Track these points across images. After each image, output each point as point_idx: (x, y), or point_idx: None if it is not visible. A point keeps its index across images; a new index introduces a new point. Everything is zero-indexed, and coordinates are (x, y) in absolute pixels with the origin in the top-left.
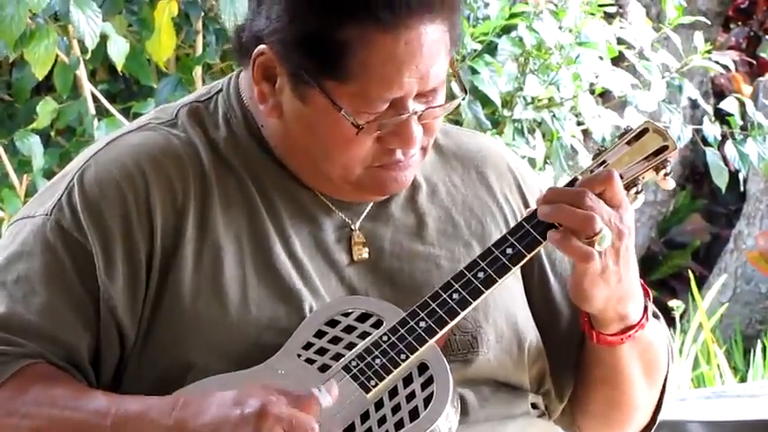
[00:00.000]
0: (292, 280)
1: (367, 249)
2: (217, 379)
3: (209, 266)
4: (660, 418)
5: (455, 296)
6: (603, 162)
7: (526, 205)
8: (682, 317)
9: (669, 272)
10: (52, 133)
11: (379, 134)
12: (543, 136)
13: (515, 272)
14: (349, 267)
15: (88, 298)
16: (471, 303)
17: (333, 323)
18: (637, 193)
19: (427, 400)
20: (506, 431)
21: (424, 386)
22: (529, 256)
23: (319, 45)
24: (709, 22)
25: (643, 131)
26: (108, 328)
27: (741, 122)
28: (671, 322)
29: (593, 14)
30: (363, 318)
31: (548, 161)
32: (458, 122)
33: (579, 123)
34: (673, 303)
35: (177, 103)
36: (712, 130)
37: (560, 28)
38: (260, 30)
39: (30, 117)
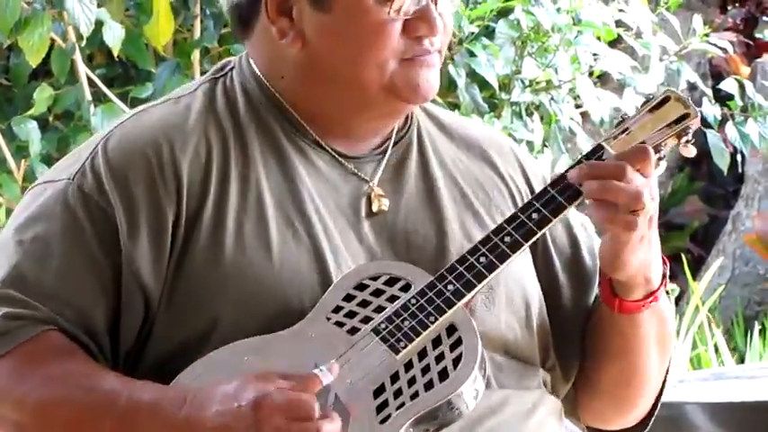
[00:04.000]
0: (314, 238)
1: (387, 201)
2: (253, 341)
3: (233, 225)
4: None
5: (482, 260)
6: (626, 129)
7: (529, 186)
8: (679, 299)
9: (667, 253)
10: (50, 118)
11: (406, 20)
12: (541, 119)
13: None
14: (368, 220)
15: (107, 263)
16: (498, 267)
17: (361, 287)
18: (659, 159)
19: (456, 362)
20: (523, 400)
21: (452, 347)
22: (554, 221)
23: None
24: (706, 4)
25: (665, 99)
26: (131, 292)
27: (741, 103)
28: None
29: None
30: (392, 282)
31: (546, 144)
32: (456, 106)
33: (577, 106)
34: (668, 287)
35: (195, 81)
36: (712, 111)
37: (558, 10)
38: None
39: (27, 102)
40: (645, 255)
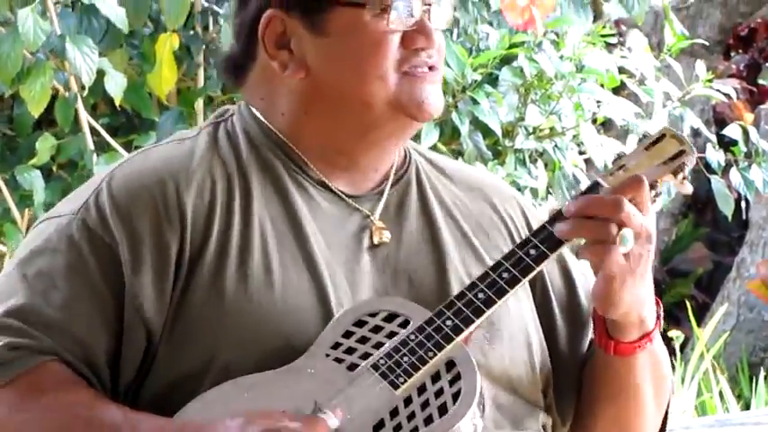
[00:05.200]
0: (316, 275)
1: (388, 233)
2: (252, 378)
3: (236, 261)
4: None
5: (480, 295)
6: (623, 166)
7: (530, 228)
8: (684, 345)
9: (672, 300)
10: (54, 167)
11: (403, 33)
12: (545, 166)
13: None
14: (370, 254)
15: (110, 297)
16: (496, 302)
17: (360, 323)
18: (655, 195)
19: (455, 397)
20: None
21: (451, 383)
22: (552, 256)
23: None
24: (709, 51)
25: (661, 137)
26: (133, 325)
27: (745, 149)
28: (672, 351)
29: (593, 44)
30: (390, 318)
31: (550, 191)
32: (459, 153)
33: (581, 152)
34: (672, 333)
35: (196, 127)
36: (716, 156)
37: (561, 57)
38: (259, 7)
39: (31, 151)
40: (639, 292)
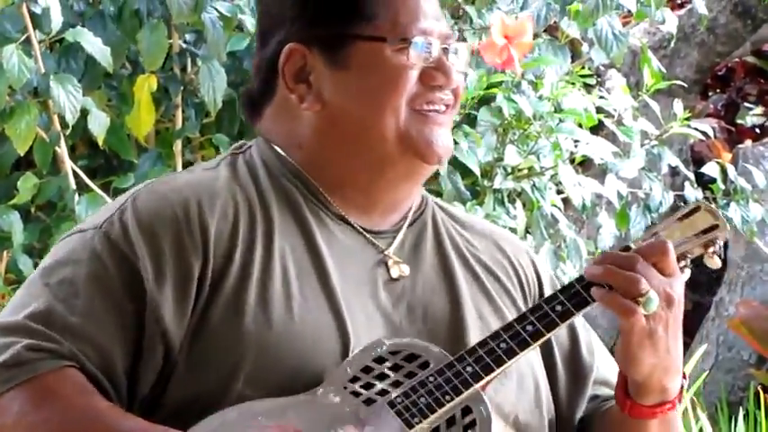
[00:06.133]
0: (334, 303)
1: (407, 266)
2: (268, 403)
3: (257, 284)
4: None
5: (503, 345)
6: (655, 233)
7: (539, 281)
8: None
9: None
10: (32, 209)
11: (422, 70)
12: (524, 205)
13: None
14: (387, 287)
15: (131, 308)
16: (518, 354)
17: (380, 360)
18: (684, 266)
19: None
20: None
21: (465, 429)
22: (577, 315)
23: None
24: (687, 90)
25: (695, 209)
26: (152, 336)
27: (723, 187)
28: None
29: (572, 84)
30: (410, 358)
31: (528, 231)
32: (438, 193)
33: (559, 192)
34: None
35: (215, 159)
36: (694, 194)
37: (539, 98)
38: (279, 42)
39: (9, 192)
40: (661, 359)
